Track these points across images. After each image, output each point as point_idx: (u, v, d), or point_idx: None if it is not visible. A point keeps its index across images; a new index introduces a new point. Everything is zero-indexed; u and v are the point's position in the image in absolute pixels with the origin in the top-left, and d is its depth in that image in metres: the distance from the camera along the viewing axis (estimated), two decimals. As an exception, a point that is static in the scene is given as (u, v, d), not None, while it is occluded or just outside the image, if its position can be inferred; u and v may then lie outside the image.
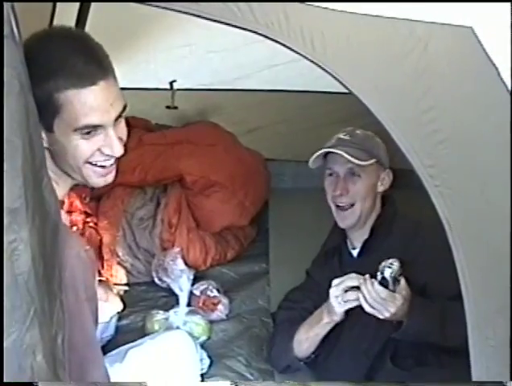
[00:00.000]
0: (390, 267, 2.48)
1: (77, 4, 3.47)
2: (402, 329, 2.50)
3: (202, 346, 3.17)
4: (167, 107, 4.55)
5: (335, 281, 2.60)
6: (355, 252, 2.93)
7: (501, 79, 1.64)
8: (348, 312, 2.62)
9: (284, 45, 1.60)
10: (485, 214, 1.73)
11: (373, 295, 2.46)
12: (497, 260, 1.71)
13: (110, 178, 1.96)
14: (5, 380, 1.50)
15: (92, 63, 1.76)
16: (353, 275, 2.57)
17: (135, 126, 4.29)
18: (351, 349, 2.71)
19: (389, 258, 2.51)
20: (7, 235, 1.52)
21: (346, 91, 1.67)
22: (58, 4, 3.29)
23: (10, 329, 1.54)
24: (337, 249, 3.02)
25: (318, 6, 1.58)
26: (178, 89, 4.47)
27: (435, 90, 1.66)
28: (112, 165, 1.91)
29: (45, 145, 1.78)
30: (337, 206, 2.84)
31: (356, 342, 2.70)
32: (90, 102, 1.76)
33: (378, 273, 2.50)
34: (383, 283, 2.47)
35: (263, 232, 4.30)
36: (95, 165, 1.87)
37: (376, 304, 2.46)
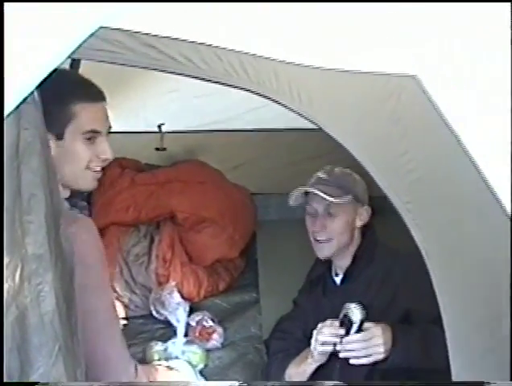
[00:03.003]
0: (353, 312, 2.59)
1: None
2: (389, 360, 2.55)
3: (200, 373, 3.24)
4: (157, 149, 4.66)
5: (318, 326, 2.70)
6: (338, 280, 3.00)
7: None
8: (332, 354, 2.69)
9: (275, 100, 1.76)
10: (459, 242, 1.86)
11: (349, 339, 2.58)
12: (471, 283, 1.86)
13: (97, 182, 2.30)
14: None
15: (98, 88, 2.23)
16: (328, 322, 2.68)
17: (127, 167, 4.42)
18: (340, 379, 2.74)
19: (349, 303, 2.63)
20: (34, 278, 1.66)
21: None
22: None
23: (37, 364, 1.67)
24: (321, 277, 3.09)
25: (304, 65, 1.74)
26: (166, 132, 4.59)
27: (410, 135, 1.81)
28: (101, 169, 2.27)
29: (52, 153, 1.98)
30: (316, 239, 2.93)
31: (344, 374, 2.73)
32: (96, 113, 2.19)
33: (341, 316, 2.62)
34: (347, 326, 2.59)
35: (252, 262, 4.36)
36: (91, 169, 2.20)
37: (356, 348, 2.58)
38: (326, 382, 2.76)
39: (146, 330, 3.80)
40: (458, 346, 1.86)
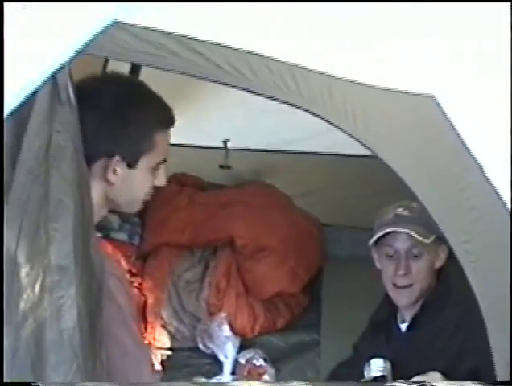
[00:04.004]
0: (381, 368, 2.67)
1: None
2: None
3: (244, 420, 3.30)
4: (221, 166, 4.71)
5: None
6: (404, 327, 2.96)
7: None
8: None
9: (326, 120, 1.80)
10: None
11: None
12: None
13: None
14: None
15: (170, 109, 2.18)
16: None
17: (186, 184, 4.54)
18: None
19: (373, 357, 2.68)
20: (56, 291, 1.73)
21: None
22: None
23: (53, 381, 1.73)
24: (385, 323, 3.05)
25: (360, 84, 1.79)
26: (232, 149, 4.65)
27: (473, 168, 1.83)
28: None
29: (113, 182, 2.08)
30: (396, 285, 2.87)
31: None
32: (168, 141, 2.19)
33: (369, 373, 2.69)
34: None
35: (316, 300, 4.36)
36: (145, 196, 2.22)
37: None
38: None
39: (191, 363, 3.86)
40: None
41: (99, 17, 1.69)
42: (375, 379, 2.71)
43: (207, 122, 4.49)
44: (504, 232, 1.82)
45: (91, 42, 1.71)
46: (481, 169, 1.81)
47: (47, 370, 1.72)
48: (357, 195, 4.61)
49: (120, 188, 2.12)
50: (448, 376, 2.58)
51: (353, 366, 3.07)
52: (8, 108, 1.64)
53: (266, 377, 3.62)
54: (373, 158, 3.84)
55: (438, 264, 2.91)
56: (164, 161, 2.19)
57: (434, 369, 2.60)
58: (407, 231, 2.79)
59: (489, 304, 1.85)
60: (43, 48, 1.68)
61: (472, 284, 1.84)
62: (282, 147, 4.63)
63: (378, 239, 2.88)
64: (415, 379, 2.57)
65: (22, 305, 1.69)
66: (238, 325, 3.97)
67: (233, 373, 3.60)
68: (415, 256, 2.84)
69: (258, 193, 4.53)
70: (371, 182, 4.50)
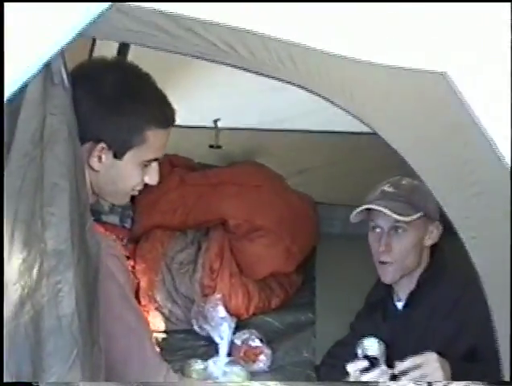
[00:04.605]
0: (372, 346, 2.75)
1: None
2: None
3: (242, 399, 3.30)
4: (211, 146, 4.71)
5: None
6: (400, 305, 2.99)
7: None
8: None
9: (325, 97, 1.80)
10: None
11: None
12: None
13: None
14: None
15: (172, 109, 2.19)
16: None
17: (177, 165, 4.51)
18: None
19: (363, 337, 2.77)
20: (53, 276, 1.73)
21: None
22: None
23: (51, 369, 1.73)
24: (381, 302, 3.08)
25: (359, 61, 1.79)
26: (223, 128, 4.65)
27: (477, 143, 1.83)
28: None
29: (97, 169, 2.09)
30: (380, 261, 2.90)
31: None
32: (164, 140, 2.18)
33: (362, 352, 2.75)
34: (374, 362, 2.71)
35: (310, 279, 4.39)
36: (133, 191, 2.24)
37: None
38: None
39: (186, 346, 3.86)
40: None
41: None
42: (367, 358, 2.74)
43: (197, 101, 4.44)
44: (505, 206, 1.83)
45: (90, 25, 1.69)
46: (491, 144, 1.82)
47: (47, 356, 1.72)
48: (349, 172, 4.63)
49: (104, 176, 2.13)
50: (444, 356, 2.59)
51: (349, 345, 3.10)
52: (6, 94, 1.63)
53: (262, 358, 3.62)
54: (366, 135, 3.85)
55: (429, 242, 2.94)
56: (156, 159, 2.19)
57: (430, 349, 2.63)
58: (381, 208, 2.82)
59: (491, 279, 1.86)
60: (41, 33, 1.67)
61: (473, 259, 1.85)
62: (273, 126, 4.62)
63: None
64: (411, 360, 2.60)
65: (19, 291, 1.69)
66: (233, 305, 3.98)
67: (229, 355, 3.59)
68: (397, 233, 2.87)
69: (250, 173, 4.53)
70: (364, 160, 4.53)
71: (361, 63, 1.80)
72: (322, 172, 4.74)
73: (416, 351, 2.63)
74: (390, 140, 1.80)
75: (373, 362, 2.73)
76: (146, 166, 2.17)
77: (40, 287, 1.71)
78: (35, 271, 1.70)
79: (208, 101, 4.49)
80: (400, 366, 2.61)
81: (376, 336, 2.91)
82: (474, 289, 2.66)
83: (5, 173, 1.66)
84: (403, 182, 2.94)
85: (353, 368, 2.73)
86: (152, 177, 2.20)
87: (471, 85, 1.82)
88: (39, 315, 1.71)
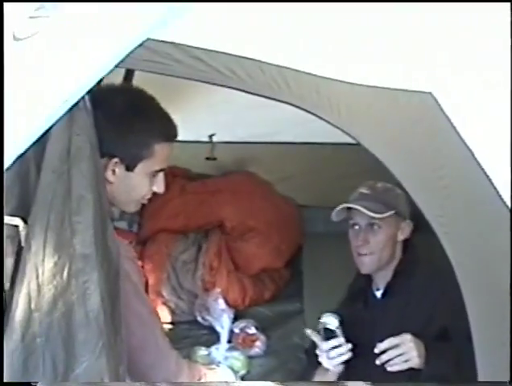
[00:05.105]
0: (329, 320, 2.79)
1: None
2: (421, 377, 2.57)
3: (242, 379, 3.33)
4: (207, 158, 4.72)
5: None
6: (379, 294, 3.00)
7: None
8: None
9: (315, 114, 1.82)
10: (486, 253, 1.93)
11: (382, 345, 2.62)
12: (498, 294, 1.90)
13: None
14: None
15: (175, 125, 2.23)
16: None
17: (177, 175, 4.51)
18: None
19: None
20: (81, 276, 1.74)
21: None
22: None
23: (82, 358, 1.74)
24: (362, 291, 3.09)
25: (344, 82, 1.82)
26: (217, 142, 4.65)
27: (445, 151, 1.87)
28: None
29: (112, 181, 2.11)
30: (358, 253, 2.94)
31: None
32: (169, 152, 2.20)
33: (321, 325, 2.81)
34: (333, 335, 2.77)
35: (297, 273, 4.40)
36: (143, 200, 2.26)
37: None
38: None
39: (191, 335, 3.88)
40: (486, 361, 1.91)
41: (137, 31, 1.69)
42: (325, 330, 2.80)
43: (194, 119, 4.42)
44: (473, 205, 1.88)
45: (127, 56, 1.72)
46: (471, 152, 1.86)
47: (78, 346, 1.73)
48: (329, 178, 4.62)
49: (118, 187, 2.14)
50: (418, 337, 2.62)
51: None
52: (52, 119, 1.65)
53: (258, 343, 3.66)
54: (344, 145, 3.85)
55: (401, 237, 2.97)
56: (162, 170, 2.21)
57: (407, 331, 2.64)
58: (358, 207, 2.87)
59: (463, 268, 1.89)
60: (84, 64, 1.68)
61: (447, 252, 1.88)
62: (262, 139, 4.63)
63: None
64: (389, 341, 2.62)
65: (53, 290, 1.70)
66: (230, 298, 4.00)
67: (229, 341, 3.62)
68: (373, 229, 2.91)
69: (243, 181, 4.57)
70: (342, 167, 4.54)
71: (348, 83, 1.83)
72: (305, 178, 4.75)
73: (394, 333, 2.64)
74: (371, 148, 1.83)
75: (329, 334, 2.79)
76: (154, 176, 2.19)
77: (70, 287, 1.72)
78: (65, 273, 1.72)
79: (204, 119, 4.49)
80: (380, 346, 2.63)
81: (358, 322, 2.94)
82: (443, 279, 2.73)
83: (38, 188, 1.68)
84: (378, 185, 2.99)
85: (312, 335, 2.85)
86: (159, 186, 2.23)
87: (456, 105, 1.85)
88: (69, 311, 1.72)
